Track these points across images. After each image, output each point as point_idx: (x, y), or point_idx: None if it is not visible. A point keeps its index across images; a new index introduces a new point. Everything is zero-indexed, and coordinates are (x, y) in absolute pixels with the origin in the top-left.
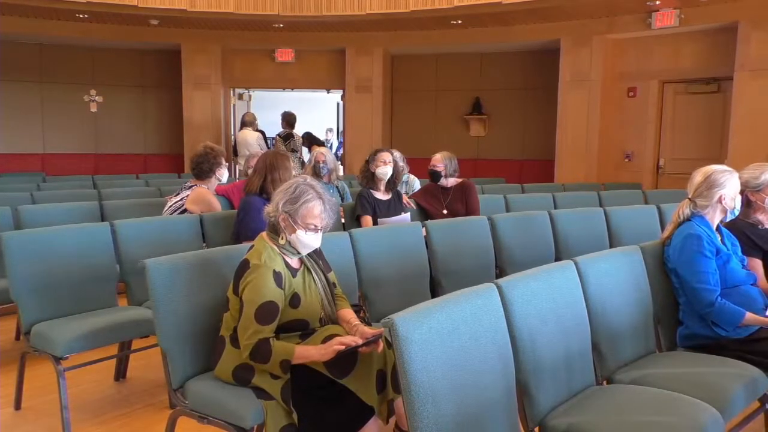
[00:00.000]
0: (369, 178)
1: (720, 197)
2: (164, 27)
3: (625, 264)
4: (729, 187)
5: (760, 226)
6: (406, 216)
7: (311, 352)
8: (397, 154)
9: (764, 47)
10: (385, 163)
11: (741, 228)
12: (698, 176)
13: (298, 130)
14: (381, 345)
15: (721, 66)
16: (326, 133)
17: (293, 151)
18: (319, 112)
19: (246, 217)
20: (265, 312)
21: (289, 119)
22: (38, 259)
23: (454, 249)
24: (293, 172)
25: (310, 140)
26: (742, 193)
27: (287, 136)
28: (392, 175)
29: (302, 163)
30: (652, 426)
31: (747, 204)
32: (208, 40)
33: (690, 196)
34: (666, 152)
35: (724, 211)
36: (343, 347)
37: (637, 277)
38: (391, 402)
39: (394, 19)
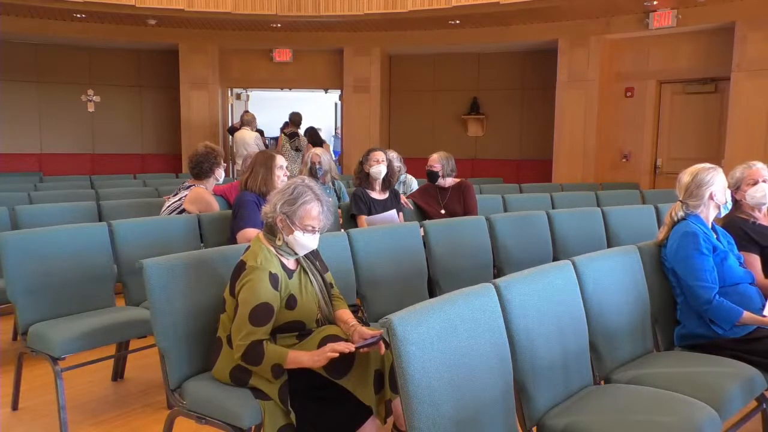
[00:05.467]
0: (363, 179)
1: (711, 194)
2: (162, 27)
3: (623, 264)
4: (717, 183)
5: (751, 221)
6: (392, 213)
7: (303, 359)
8: (393, 154)
9: (761, 47)
10: (378, 162)
11: (737, 224)
12: (686, 177)
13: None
14: (383, 347)
15: (718, 66)
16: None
17: (297, 150)
18: (316, 112)
19: (238, 213)
20: (260, 314)
21: (294, 119)
22: (35, 259)
23: (451, 249)
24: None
25: (312, 137)
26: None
27: (292, 135)
28: (387, 174)
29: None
30: (650, 425)
31: (734, 202)
32: (206, 40)
33: (681, 198)
34: (663, 152)
35: (718, 207)
36: (336, 354)
37: (635, 277)
38: (389, 402)
39: (392, 20)
